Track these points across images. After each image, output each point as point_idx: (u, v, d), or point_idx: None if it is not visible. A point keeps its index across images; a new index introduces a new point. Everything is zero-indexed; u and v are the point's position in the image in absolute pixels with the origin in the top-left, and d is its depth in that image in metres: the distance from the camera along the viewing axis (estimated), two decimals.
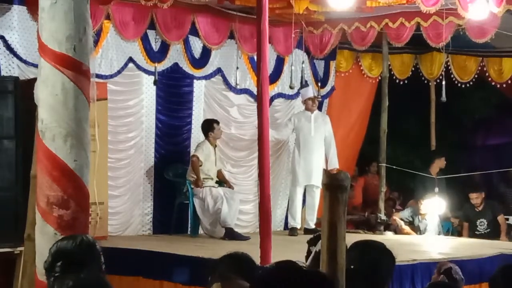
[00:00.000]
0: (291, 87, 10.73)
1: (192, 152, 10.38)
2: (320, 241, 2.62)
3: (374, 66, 12.36)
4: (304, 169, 10.62)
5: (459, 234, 11.60)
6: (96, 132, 7.86)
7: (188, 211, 10.12)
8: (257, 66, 7.40)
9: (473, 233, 11.23)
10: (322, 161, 10.71)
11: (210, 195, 9.85)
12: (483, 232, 11.20)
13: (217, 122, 10.22)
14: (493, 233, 11.10)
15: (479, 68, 11.97)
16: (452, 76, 11.91)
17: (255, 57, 8.68)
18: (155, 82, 10.00)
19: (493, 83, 12.17)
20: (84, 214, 4.68)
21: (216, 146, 10.20)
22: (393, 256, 3.22)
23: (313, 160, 10.59)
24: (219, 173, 10.25)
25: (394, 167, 11.75)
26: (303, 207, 10.91)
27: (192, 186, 9.94)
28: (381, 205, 11.55)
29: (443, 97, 10.78)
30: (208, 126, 10.18)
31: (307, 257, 3.96)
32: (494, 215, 11.31)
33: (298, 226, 10.65)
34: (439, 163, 11.73)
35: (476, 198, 11.28)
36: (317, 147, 10.70)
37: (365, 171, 13.37)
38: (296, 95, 11.58)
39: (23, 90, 7.94)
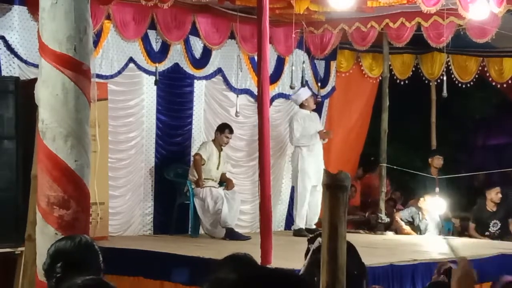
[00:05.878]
0: (291, 87, 10.71)
1: (193, 151, 10.40)
2: (318, 239, 2.60)
3: (375, 66, 12.35)
4: (314, 169, 10.41)
5: (460, 235, 11.57)
6: (96, 132, 7.85)
7: (188, 211, 10.12)
8: (257, 66, 7.40)
9: (482, 234, 11.09)
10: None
11: (210, 195, 9.83)
12: (494, 233, 11.06)
13: (230, 130, 10.15)
14: (501, 234, 11.00)
15: (480, 68, 11.96)
16: (452, 76, 11.89)
17: (256, 57, 8.68)
18: (156, 82, 10.00)
19: (493, 83, 12.16)
20: (84, 214, 4.68)
21: (221, 149, 10.19)
22: (357, 253, 3.16)
23: (319, 160, 10.53)
24: (223, 175, 10.24)
25: (395, 167, 11.74)
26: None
27: (193, 186, 9.94)
28: (382, 205, 11.53)
29: (444, 93, 10.66)
30: (219, 127, 10.20)
31: (306, 255, 3.97)
32: (506, 216, 11.13)
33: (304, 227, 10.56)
34: (433, 162, 11.71)
35: (498, 193, 11.05)
36: (320, 146, 10.68)
37: (367, 171, 13.35)
38: None
39: (24, 90, 7.93)
